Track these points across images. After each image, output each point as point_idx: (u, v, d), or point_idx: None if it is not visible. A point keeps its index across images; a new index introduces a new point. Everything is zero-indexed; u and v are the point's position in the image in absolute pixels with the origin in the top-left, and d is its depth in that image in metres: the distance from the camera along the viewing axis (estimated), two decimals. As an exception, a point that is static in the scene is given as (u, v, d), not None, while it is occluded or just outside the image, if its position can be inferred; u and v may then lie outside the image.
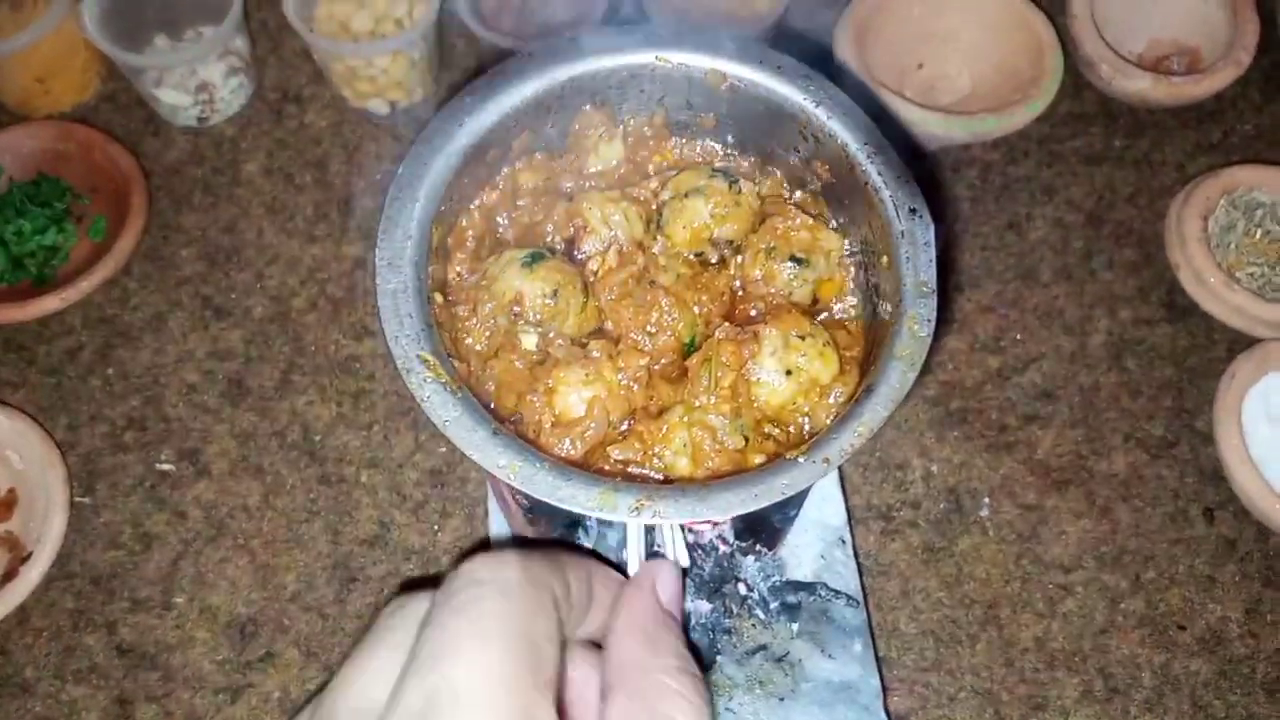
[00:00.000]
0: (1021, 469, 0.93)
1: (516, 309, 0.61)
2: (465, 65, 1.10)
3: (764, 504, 0.53)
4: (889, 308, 0.59)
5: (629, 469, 0.59)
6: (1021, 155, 1.07)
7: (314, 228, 1.02)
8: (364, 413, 0.94)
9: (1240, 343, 0.96)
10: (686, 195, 0.63)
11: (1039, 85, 1.00)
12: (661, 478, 0.59)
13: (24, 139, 1.01)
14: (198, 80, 1.01)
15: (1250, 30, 1.05)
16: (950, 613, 0.87)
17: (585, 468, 0.58)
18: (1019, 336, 0.98)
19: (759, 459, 0.59)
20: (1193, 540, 0.90)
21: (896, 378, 0.56)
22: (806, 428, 0.60)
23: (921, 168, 1.05)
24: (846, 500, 0.88)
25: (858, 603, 0.82)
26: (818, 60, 1.04)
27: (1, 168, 0.99)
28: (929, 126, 0.98)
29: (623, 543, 0.74)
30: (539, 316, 0.61)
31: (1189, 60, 1.09)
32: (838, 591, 0.81)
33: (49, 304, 0.94)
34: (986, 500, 0.91)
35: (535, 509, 0.75)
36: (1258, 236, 0.97)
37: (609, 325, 0.63)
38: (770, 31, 1.03)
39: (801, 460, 0.54)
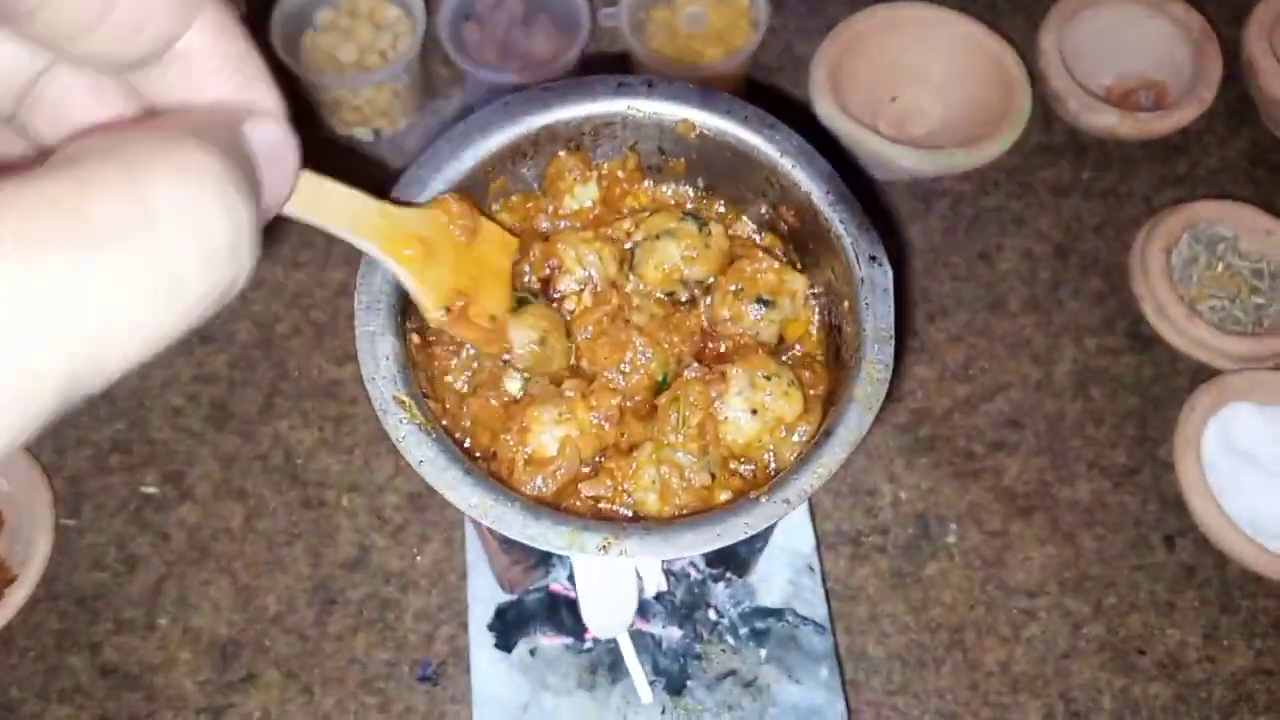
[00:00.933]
0: (988, 496, 0.95)
1: (506, 356, 0.62)
2: (449, 94, 1.12)
3: (727, 543, 0.55)
4: (850, 350, 0.62)
5: (599, 504, 0.62)
6: (992, 186, 1.09)
7: (298, 254, 1.03)
8: (345, 437, 0.95)
9: (1201, 374, 0.98)
10: (658, 237, 0.66)
11: (1009, 119, 1.02)
12: (630, 514, 0.61)
13: (12, 165, 1.02)
14: (184, 108, 1.02)
15: (1214, 67, 1.08)
16: (917, 637, 0.89)
17: (556, 505, 0.60)
18: (987, 365, 1.01)
19: (725, 495, 0.61)
20: (1153, 567, 0.93)
21: (855, 420, 0.58)
22: (772, 465, 0.62)
23: (893, 198, 1.08)
24: (816, 527, 0.90)
25: (825, 629, 0.84)
26: (788, 101, 1.07)
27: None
28: (900, 160, 1.00)
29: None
30: (527, 363, 0.63)
31: (1155, 94, 1.12)
32: (805, 618, 0.83)
33: (36, 328, 0.96)
34: (953, 526, 0.94)
35: (510, 540, 0.77)
36: (1219, 270, 1.00)
37: (584, 364, 0.65)
38: (746, 65, 1.05)
39: (763, 500, 0.56)
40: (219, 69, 0.31)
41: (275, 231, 1.04)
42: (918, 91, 1.10)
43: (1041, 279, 1.05)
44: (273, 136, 0.31)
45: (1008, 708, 0.87)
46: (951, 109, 1.09)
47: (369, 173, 1.09)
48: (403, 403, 0.57)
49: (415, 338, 0.62)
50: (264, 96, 0.33)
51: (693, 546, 0.55)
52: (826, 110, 1.02)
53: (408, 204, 0.58)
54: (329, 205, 0.43)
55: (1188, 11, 1.10)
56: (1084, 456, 0.97)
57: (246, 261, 0.27)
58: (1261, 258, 1.00)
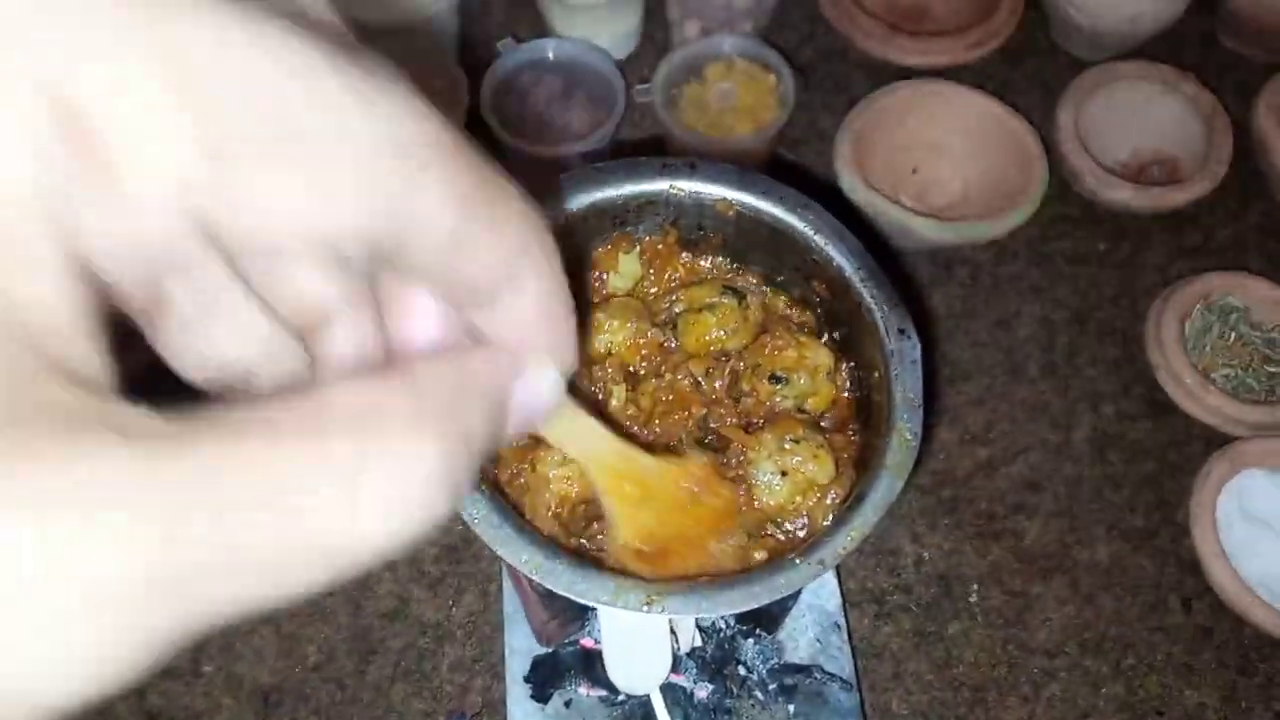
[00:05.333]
0: (1009, 557, 0.97)
1: None
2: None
3: (764, 602, 0.58)
4: (881, 417, 0.65)
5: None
6: (1011, 256, 1.13)
7: (343, 314, 1.07)
8: (386, 491, 0.99)
9: (1216, 440, 1.01)
10: (700, 310, 0.70)
11: (1027, 193, 1.06)
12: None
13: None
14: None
15: (1225, 144, 1.12)
16: (939, 694, 0.91)
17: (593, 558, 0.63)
18: (1007, 429, 1.04)
19: (761, 554, 0.64)
20: (1171, 629, 0.95)
21: (885, 486, 0.61)
22: (804, 528, 0.65)
23: (914, 267, 1.12)
24: (842, 586, 0.93)
25: (851, 686, 0.86)
26: (811, 174, 1.12)
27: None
28: (922, 231, 1.04)
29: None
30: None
31: (1169, 169, 1.16)
32: (832, 675, 0.86)
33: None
34: (975, 586, 0.96)
35: (551, 595, 0.80)
36: (1232, 340, 1.03)
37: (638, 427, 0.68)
38: (773, 139, 1.10)
39: (799, 562, 0.59)
40: (543, 315, 0.30)
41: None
42: (938, 164, 1.14)
43: (1060, 346, 1.08)
44: (540, 390, 0.31)
45: (1029, 767, 0.89)
46: (971, 181, 1.13)
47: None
48: (459, 463, 0.60)
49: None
50: (565, 348, 0.32)
51: (733, 605, 0.58)
52: (850, 182, 1.06)
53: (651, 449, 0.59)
54: (573, 433, 0.45)
55: (1199, 90, 1.14)
56: (1102, 519, 0.99)
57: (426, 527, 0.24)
58: (1273, 328, 1.03)
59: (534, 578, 0.58)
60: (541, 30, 1.20)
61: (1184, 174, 1.14)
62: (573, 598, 0.58)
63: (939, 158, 1.14)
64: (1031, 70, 1.25)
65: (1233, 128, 1.13)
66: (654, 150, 1.15)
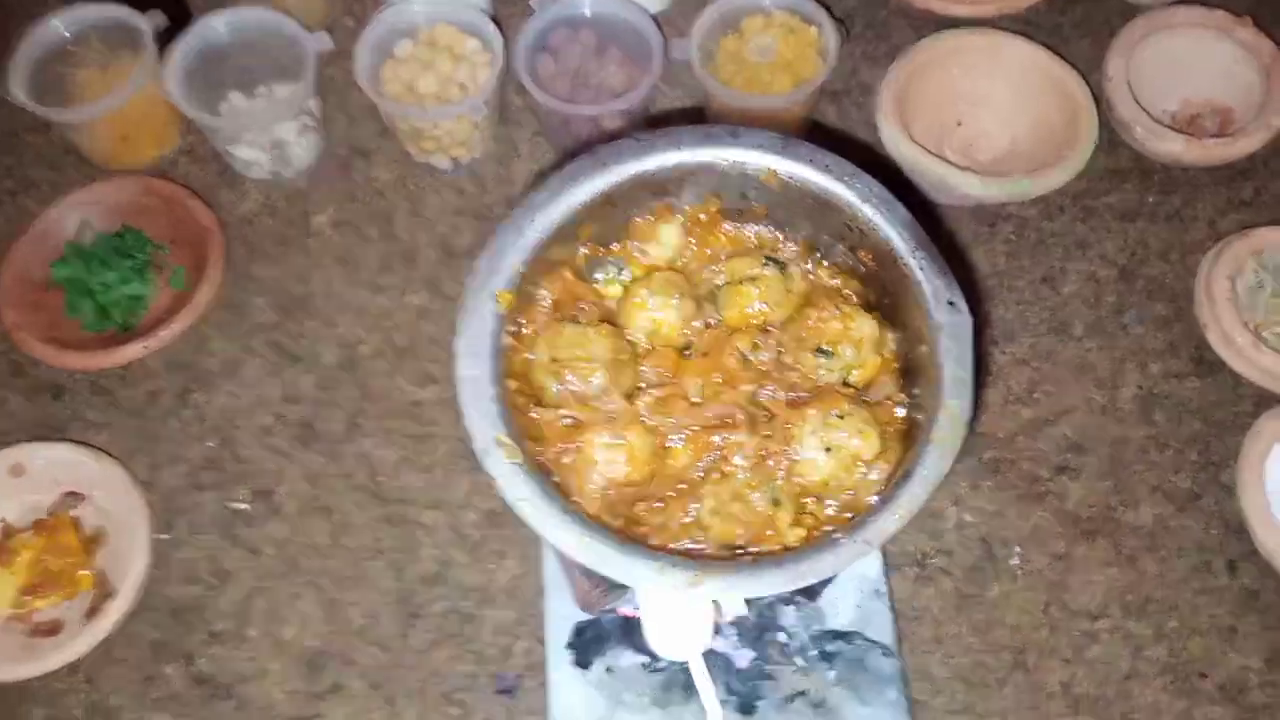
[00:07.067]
0: (1051, 519, 0.97)
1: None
2: (522, 122, 1.15)
3: (809, 581, 0.58)
4: (928, 393, 0.64)
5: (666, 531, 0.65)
6: (1057, 211, 1.11)
7: (379, 278, 1.07)
8: (426, 456, 0.99)
9: (1266, 400, 0.99)
10: (741, 282, 0.68)
11: (1075, 146, 1.03)
12: (700, 540, 0.64)
13: (110, 193, 1.07)
14: (272, 137, 1.06)
15: (1282, 93, 1.08)
16: (980, 657, 0.91)
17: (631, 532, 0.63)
18: (1051, 389, 1.02)
19: (796, 531, 0.64)
20: (1216, 591, 0.94)
21: (933, 463, 0.60)
22: (848, 504, 0.65)
23: (958, 222, 1.09)
24: (883, 550, 0.93)
25: (893, 652, 0.86)
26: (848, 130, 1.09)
27: (91, 221, 1.05)
28: (967, 187, 1.02)
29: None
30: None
31: (1221, 120, 1.12)
32: (874, 641, 0.86)
33: (133, 351, 1.00)
34: (1017, 549, 0.95)
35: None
36: (1285, 297, 1.00)
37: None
38: (815, 96, 1.07)
39: (844, 540, 0.59)
40: None
41: (358, 256, 1.08)
42: (984, 117, 1.12)
43: (1106, 303, 1.06)
44: None
45: (1070, 729, 0.89)
46: (1017, 134, 1.11)
47: (446, 200, 1.13)
48: (503, 444, 0.60)
49: (511, 382, 0.65)
50: None
51: (777, 585, 0.58)
52: (893, 136, 1.04)
53: None
54: None
55: (1257, 36, 1.10)
56: (1147, 481, 0.98)
57: None
58: (1328, 284, 1.01)
59: (579, 560, 0.58)
60: (575, -16, 1.18)
61: (1238, 125, 1.10)
62: (617, 579, 0.58)
63: (985, 110, 1.11)
64: (1080, 17, 1.21)
65: (1290, 75, 1.09)
66: (690, 111, 1.13)
